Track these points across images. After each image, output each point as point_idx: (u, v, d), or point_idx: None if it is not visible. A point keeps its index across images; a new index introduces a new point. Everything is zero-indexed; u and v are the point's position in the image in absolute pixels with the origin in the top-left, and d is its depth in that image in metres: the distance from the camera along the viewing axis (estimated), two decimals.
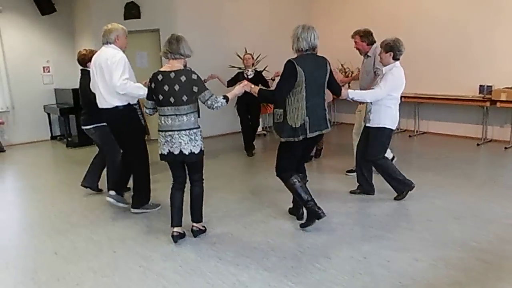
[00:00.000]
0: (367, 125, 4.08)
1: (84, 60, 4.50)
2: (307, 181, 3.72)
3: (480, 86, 6.47)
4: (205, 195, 4.56)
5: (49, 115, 8.64)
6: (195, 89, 3.13)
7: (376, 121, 3.99)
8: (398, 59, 3.92)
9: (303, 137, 3.31)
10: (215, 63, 7.30)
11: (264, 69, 7.04)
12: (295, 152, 3.46)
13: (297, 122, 3.28)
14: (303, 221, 3.59)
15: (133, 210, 4.09)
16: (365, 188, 4.32)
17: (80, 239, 3.57)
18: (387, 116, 3.96)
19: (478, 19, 6.57)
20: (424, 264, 2.88)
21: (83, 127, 4.56)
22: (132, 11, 7.49)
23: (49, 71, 8.64)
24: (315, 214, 3.42)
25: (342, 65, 8.05)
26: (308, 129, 3.30)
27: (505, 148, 6.19)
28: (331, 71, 3.42)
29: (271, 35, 8.43)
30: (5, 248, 3.50)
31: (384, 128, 3.99)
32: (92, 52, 4.31)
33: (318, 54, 3.39)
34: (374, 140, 4.03)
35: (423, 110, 7.54)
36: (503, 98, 6.10)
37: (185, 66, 5.96)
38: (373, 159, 4.09)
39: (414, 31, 7.27)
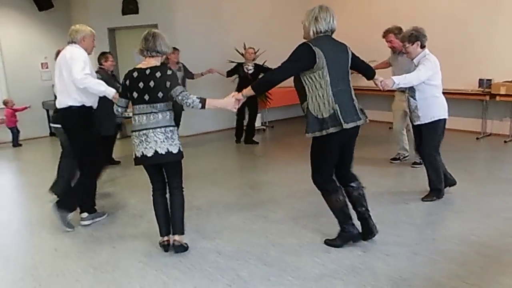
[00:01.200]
0: (418, 123, 3.85)
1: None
2: (363, 188, 3.18)
3: (480, 80, 6.45)
4: (205, 190, 4.59)
5: (47, 111, 8.61)
6: (168, 84, 2.96)
7: (429, 116, 3.78)
8: (425, 46, 3.79)
9: (335, 129, 2.79)
10: (213, 58, 7.28)
11: (263, 64, 7.02)
12: (331, 151, 2.94)
13: (324, 112, 2.81)
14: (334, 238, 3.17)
15: (56, 209, 3.61)
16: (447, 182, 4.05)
17: (79, 236, 3.57)
18: (436, 106, 3.79)
19: (478, 13, 6.54)
20: (424, 258, 2.88)
21: (53, 125, 4.48)
22: (130, 7, 7.46)
23: (47, 68, 8.60)
24: (351, 237, 3.10)
25: None
26: (342, 119, 2.79)
27: (505, 141, 6.18)
28: (354, 54, 3.07)
29: (270, 30, 8.39)
30: (5, 244, 3.50)
31: (439, 119, 3.80)
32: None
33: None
34: (432, 135, 3.83)
35: None
36: (502, 92, 6.08)
37: (177, 62, 6.03)
38: (432, 154, 3.88)
39: (413, 25, 7.24)
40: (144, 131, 2.99)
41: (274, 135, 7.85)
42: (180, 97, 2.96)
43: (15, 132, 7.86)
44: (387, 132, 7.37)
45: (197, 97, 2.98)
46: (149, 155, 2.99)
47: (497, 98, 6.17)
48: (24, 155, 7.24)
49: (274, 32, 8.32)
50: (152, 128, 2.98)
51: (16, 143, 7.85)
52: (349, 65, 3.01)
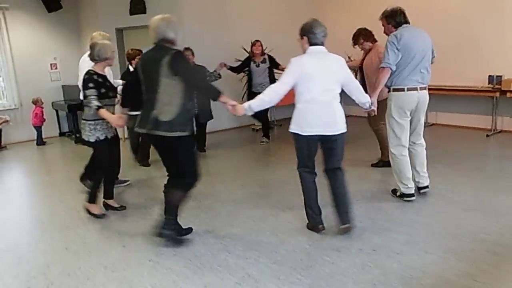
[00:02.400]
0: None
1: (128, 58, 5.55)
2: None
3: (490, 76, 6.40)
4: (214, 189, 4.61)
5: (57, 111, 8.69)
6: (81, 86, 3.80)
7: (291, 126, 3.22)
8: (315, 44, 3.12)
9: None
10: (220, 57, 7.25)
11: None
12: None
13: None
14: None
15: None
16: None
17: (90, 235, 3.60)
18: (294, 118, 3.18)
19: (487, 8, 6.48)
20: (434, 256, 2.87)
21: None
22: (137, 7, 7.49)
23: (56, 68, 8.68)
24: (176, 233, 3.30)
25: (349, 57, 7.99)
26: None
27: None
28: (175, 63, 2.96)
29: (277, 28, 8.37)
30: (17, 243, 3.54)
31: (294, 133, 3.20)
32: (136, 52, 5.34)
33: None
34: (296, 147, 3.29)
35: (431, 101, 7.28)
36: None
37: (262, 54, 6.61)
38: (298, 169, 3.36)
39: (422, 22, 7.15)
40: (83, 121, 3.85)
41: (283, 133, 7.84)
42: (86, 100, 3.72)
43: (39, 131, 7.97)
44: None
45: (97, 105, 3.64)
46: (86, 139, 3.85)
47: (508, 94, 6.12)
48: (34, 155, 7.31)
49: (281, 30, 8.30)
50: (83, 120, 3.84)
51: (41, 141, 8.00)
52: (162, 74, 2.97)
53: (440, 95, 7.19)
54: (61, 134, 8.85)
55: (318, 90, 3.08)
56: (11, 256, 3.28)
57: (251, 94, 6.39)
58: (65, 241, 3.50)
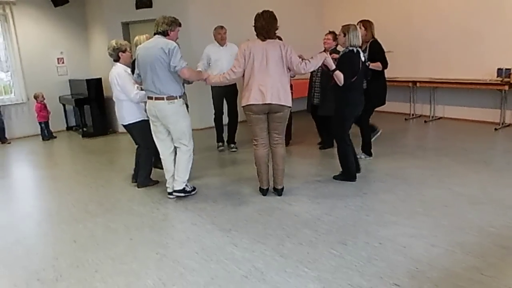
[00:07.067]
0: None
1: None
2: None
3: (498, 69, 6.34)
4: (221, 182, 4.62)
5: (64, 105, 8.75)
6: None
7: None
8: None
9: None
10: None
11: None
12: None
13: None
14: None
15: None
16: None
17: (97, 227, 3.64)
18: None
19: (495, 0, 6.40)
20: (441, 249, 2.86)
21: None
22: (143, 0, 7.49)
23: (63, 62, 8.72)
24: None
25: None
26: None
27: None
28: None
29: (283, 22, 8.31)
30: (26, 236, 3.58)
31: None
32: None
33: None
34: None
35: (439, 94, 7.43)
36: None
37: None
38: None
39: (429, 14, 7.13)
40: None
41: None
42: None
43: (43, 126, 8.01)
44: (403, 124, 7.34)
45: None
46: None
47: None
48: (42, 149, 7.37)
49: (287, 22, 8.23)
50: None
51: (45, 136, 8.01)
52: None
53: (448, 89, 7.14)
54: (68, 128, 8.91)
55: None
56: (21, 248, 3.32)
57: None
58: (73, 234, 3.54)
